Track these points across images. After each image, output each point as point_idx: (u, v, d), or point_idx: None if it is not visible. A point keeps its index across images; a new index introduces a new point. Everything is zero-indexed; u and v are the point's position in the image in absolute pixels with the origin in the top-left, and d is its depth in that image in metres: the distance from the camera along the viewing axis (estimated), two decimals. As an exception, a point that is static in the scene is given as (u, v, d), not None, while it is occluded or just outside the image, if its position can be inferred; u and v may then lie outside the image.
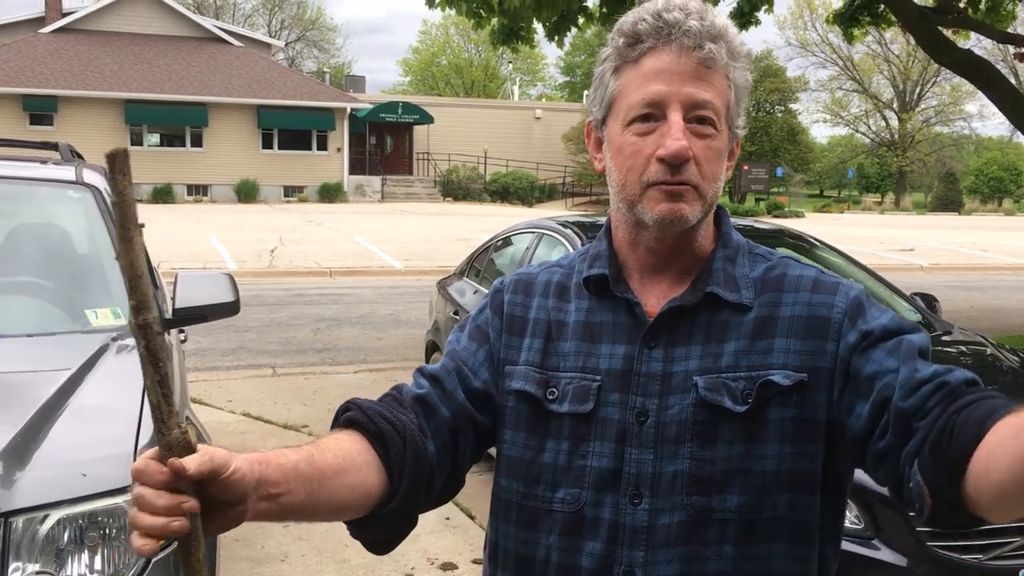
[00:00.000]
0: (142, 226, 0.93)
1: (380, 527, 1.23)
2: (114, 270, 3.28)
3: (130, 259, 0.92)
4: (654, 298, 1.27)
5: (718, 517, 1.19)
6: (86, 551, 2.10)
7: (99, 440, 2.31)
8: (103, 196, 3.57)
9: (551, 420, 1.27)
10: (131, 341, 2.95)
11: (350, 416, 1.23)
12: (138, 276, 0.92)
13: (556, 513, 1.26)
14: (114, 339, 2.93)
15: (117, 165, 0.92)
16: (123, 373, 2.72)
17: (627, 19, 1.22)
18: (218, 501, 1.01)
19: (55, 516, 2.07)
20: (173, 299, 3.26)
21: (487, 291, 5.70)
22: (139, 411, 2.39)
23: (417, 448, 1.23)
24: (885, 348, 1.17)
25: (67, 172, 3.72)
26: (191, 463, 0.97)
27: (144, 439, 2.27)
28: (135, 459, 2.00)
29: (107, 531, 2.11)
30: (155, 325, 0.93)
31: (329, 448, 1.15)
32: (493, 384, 1.32)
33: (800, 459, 1.20)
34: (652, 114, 1.19)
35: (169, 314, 3.29)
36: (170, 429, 0.96)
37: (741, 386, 1.20)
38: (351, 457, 1.17)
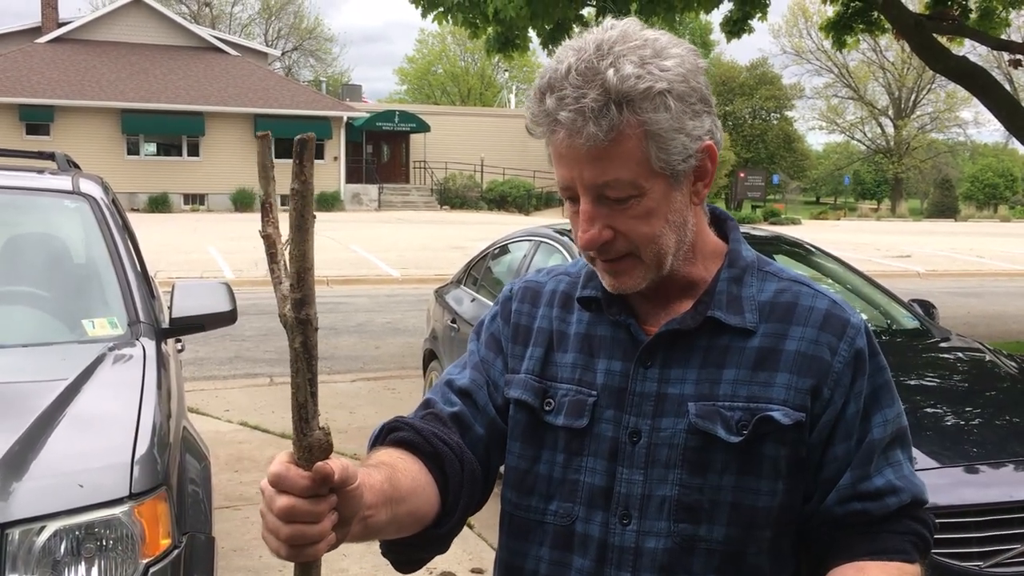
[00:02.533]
0: (313, 217, 0.90)
1: (423, 547, 1.22)
2: (111, 279, 3.28)
3: (303, 250, 0.88)
4: (653, 315, 1.26)
5: (704, 547, 1.18)
6: (83, 562, 2.08)
7: (96, 450, 2.30)
8: (99, 205, 3.57)
9: (547, 431, 1.26)
10: (128, 351, 2.96)
11: (403, 436, 1.21)
12: (307, 269, 0.89)
13: (548, 525, 1.25)
14: (111, 349, 2.92)
15: (305, 152, 0.88)
16: (120, 383, 2.71)
17: (528, 94, 1.18)
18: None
19: (52, 527, 2.06)
20: (170, 309, 3.26)
21: (485, 299, 5.61)
22: (136, 421, 2.38)
23: (474, 471, 1.24)
24: (852, 439, 1.20)
25: (63, 182, 3.72)
26: (337, 468, 0.93)
27: (141, 449, 2.26)
28: (132, 470, 1.98)
29: (104, 542, 2.10)
30: (315, 321, 0.90)
31: (400, 468, 1.14)
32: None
33: (791, 496, 1.20)
34: (571, 196, 1.18)
35: (166, 324, 3.28)
36: (312, 430, 0.91)
37: (737, 416, 1.18)
38: (418, 479, 1.16)
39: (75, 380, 2.61)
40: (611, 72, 1.09)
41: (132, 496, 2.14)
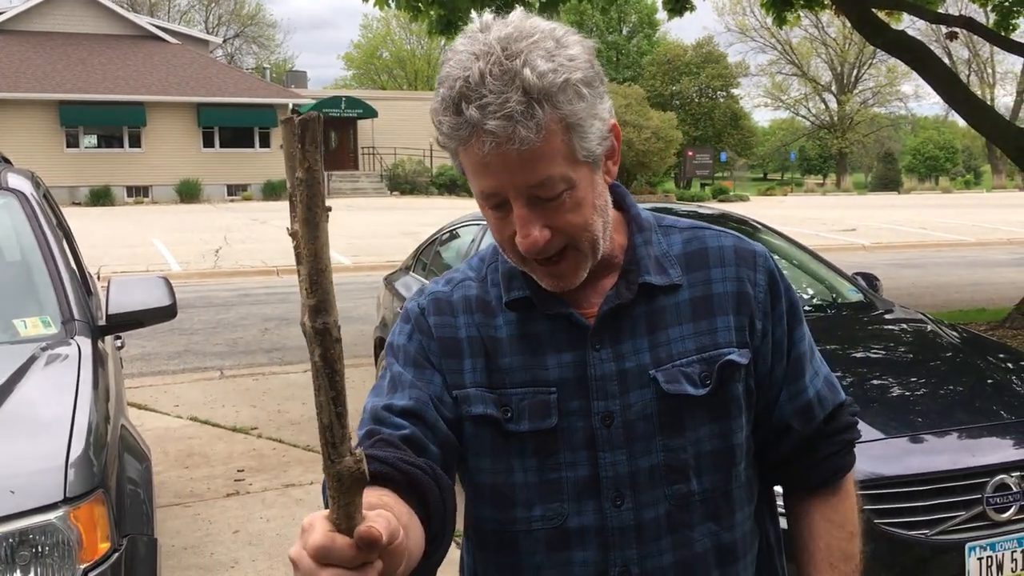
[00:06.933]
0: (329, 209, 0.79)
1: None
2: (43, 277, 3.17)
3: (314, 248, 0.78)
4: (583, 297, 1.24)
5: (698, 499, 1.23)
6: (18, 570, 2.02)
7: (28, 454, 2.22)
8: (29, 201, 3.46)
9: (513, 440, 1.23)
10: (62, 350, 2.86)
11: (375, 470, 1.10)
12: (321, 271, 0.78)
13: (537, 532, 1.23)
14: (44, 348, 2.82)
15: (308, 135, 0.76)
16: (53, 384, 2.63)
17: (433, 106, 1.14)
18: None
19: (-18, 536, 1.99)
20: (106, 305, 3.16)
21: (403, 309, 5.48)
22: (70, 422, 2.30)
23: (450, 488, 1.17)
24: (785, 358, 1.30)
25: (-10, 177, 3.59)
26: (383, 528, 0.82)
27: (76, 451, 2.19)
28: (66, 473, 1.86)
29: (39, 549, 2.03)
30: (335, 330, 0.79)
31: (391, 507, 1.02)
32: (456, 410, 1.24)
33: (750, 427, 1.28)
34: (497, 204, 1.15)
35: (103, 321, 3.19)
36: (341, 456, 0.80)
37: (697, 370, 1.22)
38: (408, 514, 1.07)
39: (6, 382, 2.53)
40: (527, 71, 1.06)
41: (67, 500, 2.07)
